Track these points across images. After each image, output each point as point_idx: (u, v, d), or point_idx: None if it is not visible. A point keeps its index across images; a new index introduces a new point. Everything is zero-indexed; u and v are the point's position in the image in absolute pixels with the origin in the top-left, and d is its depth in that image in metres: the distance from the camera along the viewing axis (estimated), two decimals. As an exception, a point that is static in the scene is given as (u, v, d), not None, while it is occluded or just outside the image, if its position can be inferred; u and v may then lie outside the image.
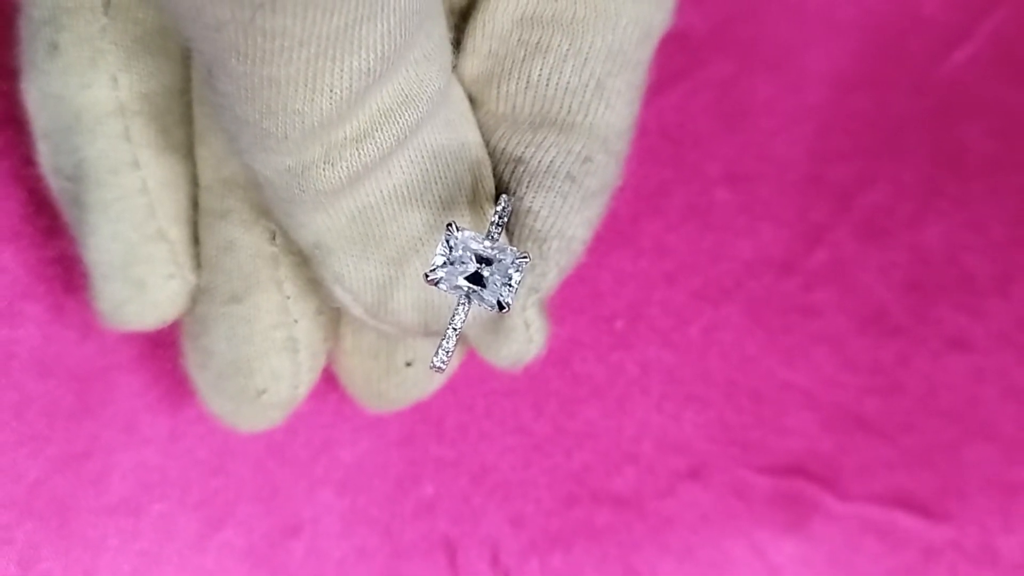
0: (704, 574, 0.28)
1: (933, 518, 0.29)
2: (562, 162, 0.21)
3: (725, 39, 0.29)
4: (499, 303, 0.20)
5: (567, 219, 0.21)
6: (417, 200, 0.21)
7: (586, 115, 0.22)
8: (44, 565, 0.25)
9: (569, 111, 0.22)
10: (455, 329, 0.20)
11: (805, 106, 0.30)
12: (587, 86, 0.22)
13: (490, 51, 0.22)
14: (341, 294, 0.22)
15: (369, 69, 0.18)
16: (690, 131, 0.29)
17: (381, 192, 0.20)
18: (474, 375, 0.27)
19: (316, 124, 0.18)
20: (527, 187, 0.21)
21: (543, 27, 0.22)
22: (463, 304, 0.20)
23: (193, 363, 0.23)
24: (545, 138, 0.22)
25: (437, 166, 0.21)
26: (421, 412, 0.27)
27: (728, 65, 0.29)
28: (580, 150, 0.22)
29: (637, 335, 0.29)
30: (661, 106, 0.29)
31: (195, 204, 0.23)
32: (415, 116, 0.20)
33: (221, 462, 0.26)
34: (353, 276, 0.21)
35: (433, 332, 0.22)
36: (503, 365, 0.23)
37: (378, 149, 0.19)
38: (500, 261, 0.20)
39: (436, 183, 0.21)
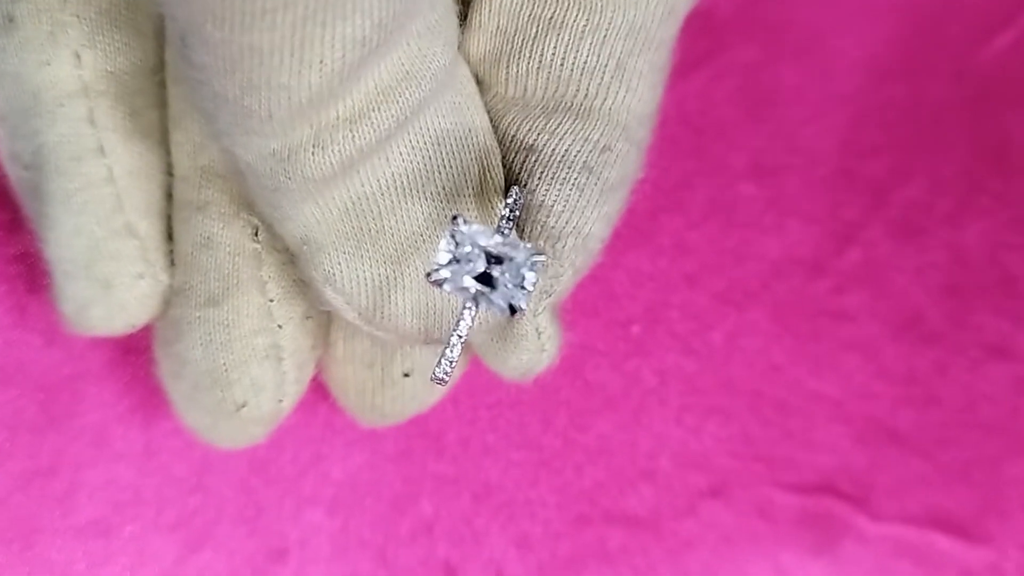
0: (725, 599, 0.28)
1: (972, 539, 0.28)
2: (578, 151, 0.21)
3: (751, 21, 0.29)
4: (511, 307, 0.19)
5: (583, 215, 0.21)
6: (418, 191, 0.20)
7: (605, 99, 0.21)
8: (5, 591, 0.25)
9: (586, 94, 0.21)
10: (460, 337, 0.20)
11: (836, 95, 0.29)
12: (606, 66, 0.21)
13: (499, 27, 0.21)
14: (332, 296, 0.21)
15: (364, 38, 0.17)
16: (713, 120, 0.29)
17: (378, 181, 0.20)
18: (477, 385, 0.27)
19: (304, 101, 0.17)
20: (540, 179, 0.21)
21: (558, 1, 0.21)
22: (469, 308, 0.19)
23: (167, 372, 0.23)
24: (560, 124, 0.21)
25: (441, 153, 0.20)
26: (419, 425, 0.27)
27: (754, 49, 0.29)
28: (598, 138, 0.21)
29: (655, 341, 0.28)
30: (682, 92, 0.29)
31: (169, 196, 0.23)
32: (416, 95, 0.19)
33: (200, 479, 0.26)
34: (346, 276, 0.20)
35: (434, 339, 0.22)
36: (511, 375, 0.22)
37: (375, 132, 0.19)
38: (512, 259, 0.19)
39: (439, 172, 0.20)
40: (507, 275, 0.19)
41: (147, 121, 0.22)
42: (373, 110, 0.18)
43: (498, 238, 0.19)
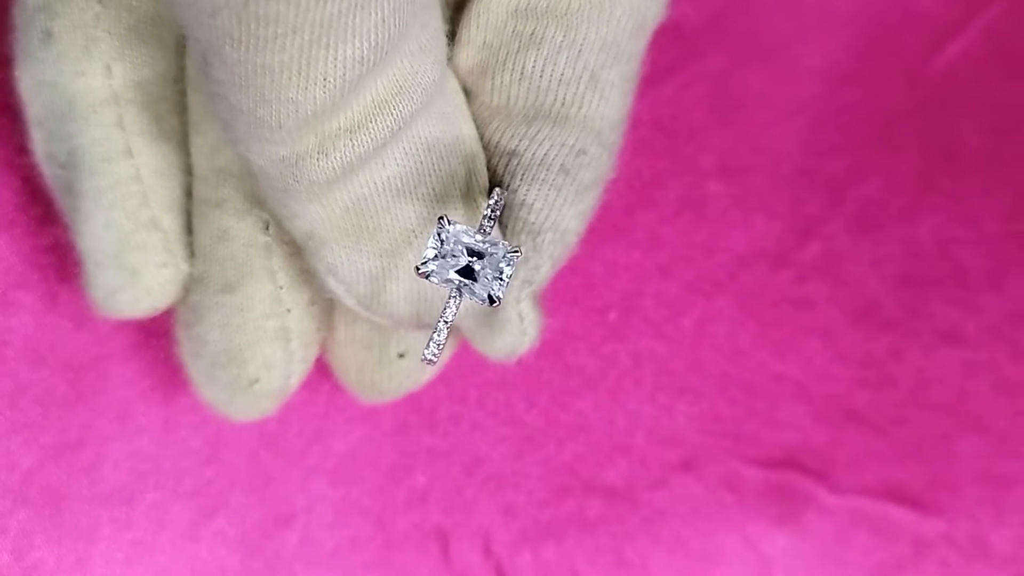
0: (696, 566, 0.28)
1: (924, 511, 0.29)
2: (556, 155, 0.21)
3: (719, 31, 0.30)
4: (490, 297, 0.20)
5: (561, 212, 0.21)
6: (411, 192, 0.21)
7: (580, 107, 0.22)
8: (37, 554, 0.25)
9: (563, 103, 0.22)
10: (446, 322, 0.20)
11: (798, 99, 0.30)
12: (581, 78, 0.22)
13: (484, 42, 0.22)
14: (334, 285, 0.22)
15: (363, 58, 0.18)
16: (684, 123, 0.29)
17: (375, 184, 0.20)
18: (467, 366, 0.27)
19: (310, 113, 0.18)
20: (521, 180, 0.21)
21: (537, 18, 0.22)
22: (454, 297, 0.20)
23: (187, 352, 0.23)
24: (539, 131, 0.22)
25: (431, 158, 0.21)
26: (414, 402, 0.27)
27: (722, 58, 0.30)
28: (574, 143, 0.22)
29: (630, 327, 0.29)
30: (655, 98, 0.29)
31: (189, 193, 0.23)
32: (409, 108, 0.20)
33: (214, 451, 0.26)
34: (346, 267, 0.21)
35: (425, 324, 0.22)
36: (497, 357, 0.23)
37: (372, 140, 0.19)
38: (492, 255, 0.20)
39: (430, 176, 0.21)
40: (486, 268, 0.20)
41: (170, 126, 0.23)
42: (371, 121, 0.19)
43: (479, 236, 0.20)
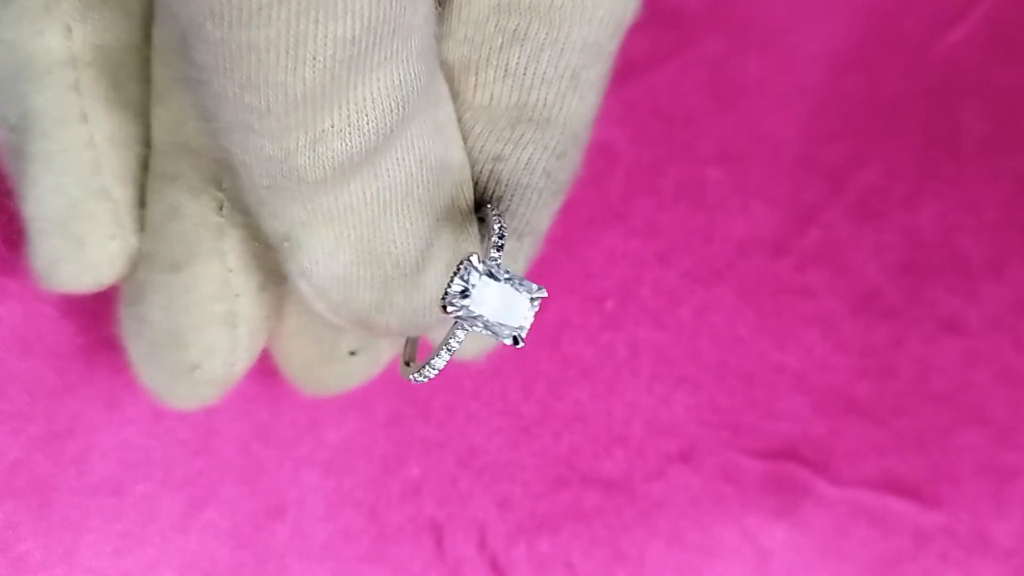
0: (694, 558, 0.28)
1: (925, 503, 0.29)
2: (539, 158, 0.21)
3: (718, 16, 0.29)
4: (515, 338, 0.19)
5: (541, 215, 0.21)
6: (398, 203, 0.20)
7: (561, 108, 0.21)
8: (24, 546, 0.25)
9: (545, 104, 0.21)
10: (449, 351, 0.20)
11: (798, 86, 0.30)
12: (563, 77, 0.21)
13: (466, 36, 0.21)
14: (305, 288, 0.21)
15: (354, 38, 0.17)
16: (682, 109, 0.29)
17: (364, 193, 0.20)
18: (462, 355, 0.27)
19: (299, 96, 0.18)
20: (506, 185, 0.21)
21: (520, 14, 0.21)
22: (463, 329, 0.20)
23: (128, 331, 0.23)
24: (523, 134, 0.21)
25: (422, 171, 0.20)
26: (408, 393, 0.27)
27: (721, 43, 0.29)
28: (555, 145, 0.21)
29: (627, 316, 0.29)
30: (653, 84, 0.29)
31: (146, 166, 0.22)
32: (404, 108, 0.19)
33: (205, 442, 0.26)
34: (321, 273, 0.21)
35: (393, 334, 0.22)
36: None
37: (365, 140, 0.19)
38: (519, 294, 0.19)
39: (418, 187, 0.20)
40: (513, 309, 0.19)
41: (129, 94, 0.22)
42: (365, 123, 0.19)
43: (506, 274, 0.19)
